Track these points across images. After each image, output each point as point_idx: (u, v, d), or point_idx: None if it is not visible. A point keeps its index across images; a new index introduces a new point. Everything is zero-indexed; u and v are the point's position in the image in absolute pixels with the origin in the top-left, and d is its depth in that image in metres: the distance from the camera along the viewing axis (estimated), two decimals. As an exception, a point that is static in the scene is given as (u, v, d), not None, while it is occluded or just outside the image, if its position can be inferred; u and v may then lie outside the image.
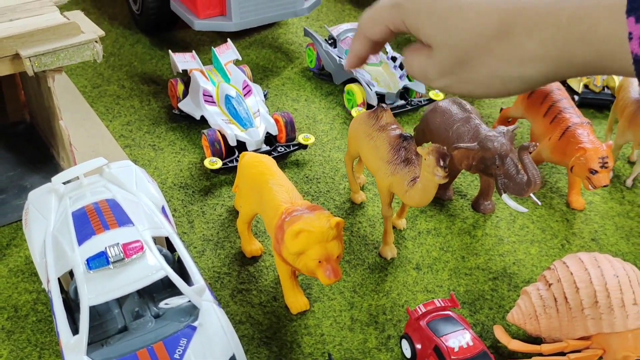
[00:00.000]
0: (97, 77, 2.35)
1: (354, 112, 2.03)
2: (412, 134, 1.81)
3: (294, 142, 1.95)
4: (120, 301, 1.27)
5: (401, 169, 1.46)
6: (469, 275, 1.58)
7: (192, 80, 2.03)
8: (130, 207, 1.32)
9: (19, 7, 1.53)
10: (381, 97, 2.16)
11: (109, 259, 1.17)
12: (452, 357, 1.23)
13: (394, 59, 2.23)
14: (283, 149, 1.92)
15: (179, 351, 1.13)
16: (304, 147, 1.94)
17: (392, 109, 2.12)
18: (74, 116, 2.08)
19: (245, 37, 2.64)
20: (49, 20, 1.50)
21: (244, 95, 2.00)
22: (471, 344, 1.25)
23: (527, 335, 1.40)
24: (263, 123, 1.93)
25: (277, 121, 1.95)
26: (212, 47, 2.15)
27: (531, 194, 1.49)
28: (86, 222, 1.27)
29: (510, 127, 1.53)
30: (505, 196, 1.51)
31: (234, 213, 1.74)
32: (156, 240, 1.32)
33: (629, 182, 1.90)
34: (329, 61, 2.32)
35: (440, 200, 1.81)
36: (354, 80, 2.22)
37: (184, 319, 1.21)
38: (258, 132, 1.88)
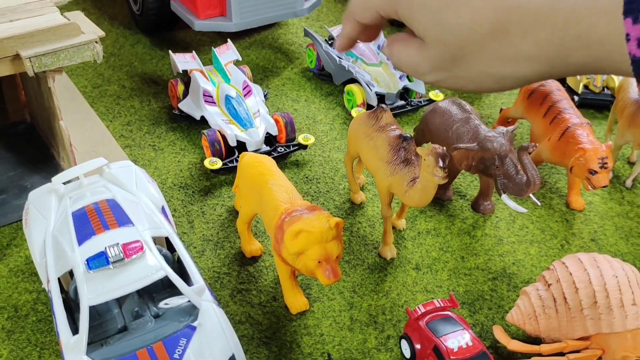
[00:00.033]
0: (97, 77, 2.35)
1: (353, 113, 2.03)
2: (412, 135, 1.81)
3: (294, 143, 1.95)
4: (120, 301, 1.27)
5: (401, 169, 1.46)
6: (468, 276, 1.58)
7: (192, 80, 2.04)
8: (130, 207, 1.32)
9: (19, 8, 1.53)
10: (381, 98, 2.16)
11: (109, 259, 1.17)
12: (452, 357, 1.23)
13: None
14: (283, 149, 1.92)
15: (178, 351, 1.13)
16: (304, 147, 1.95)
17: (392, 110, 2.13)
18: (74, 116, 2.09)
19: (245, 37, 2.65)
20: (49, 21, 1.50)
21: (244, 96, 2.00)
22: (470, 344, 1.26)
23: (527, 335, 1.40)
24: (263, 123, 1.93)
25: (277, 121, 1.95)
26: (212, 48, 2.15)
27: (530, 195, 1.49)
28: (86, 222, 1.27)
29: (510, 128, 1.54)
30: (504, 196, 1.51)
31: (233, 213, 1.74)
32: (156, 240, 1.32)
33: (628, 183, 1.91)
34: (329, 61, 2.32)
35: (440, 201, 1.81)
36: (354, 80, 2.22)
37: (184, 319, 1.21)
38: (258, 133, 1.89)
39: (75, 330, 1.16)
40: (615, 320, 1.21)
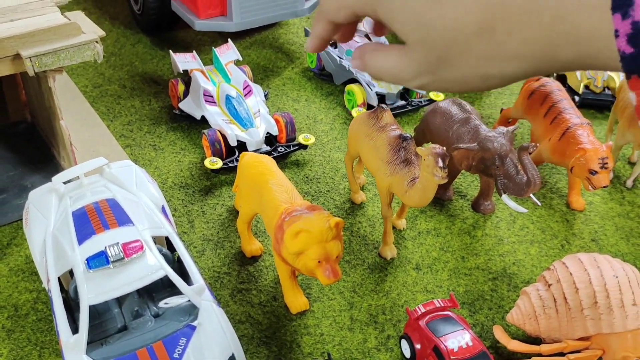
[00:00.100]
0: (98, 76, 2.35)
1: (354, 113, 2.03)
2: (412, 135, 1.81)
3: (294, 142, 1.95)
4: (120, 300, 1.27)
5: (401, 169, 1.46)
6: (468, 276, 1.58)
7: (192, 80, 2.04)
8: (130, 207, 1.32)
9: (20, 8, 1.54)
10: (381, 98, 2.16)
11: (109, 259, 1.17)
12: (452, 357, 1.23)
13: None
14: (283, 149, 1.92)
15: (178, 350, 1.13)
16: (304, 147, 1.95)
17: (392, 110, 2.13)
18: (75, 116, 2.09)
19: (245, 37, 2.65)
20: (50, 21, 1.50)
21: (245, 96, 2.00)
22: (470, 344, 1.25)
23: (527, 335, 1.40)
24: (263, 123, 1.93)
25: (277, 121, 1.95)
26: (213, 47, 2.15)
27: (531, 195, 1.49)
28: (86, 222, 1.27)
29: (510, 128, 1.54)
30: (505, 197, 1.51)
31: (234, 213, 1.74)
32: (156, 239, 1.32)
33: (629, 183, 1.90)
34: (329, 61, 2.32)
35: (440, 201, 1.81)
36: (354, 80, 2.22)
37: (184, 318, 1.21)
38: (258, 132, 1.89)
39: (75, 329, 1.16)
40: (615, 321, 1.21)
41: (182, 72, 2.10)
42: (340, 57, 2.29)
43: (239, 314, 1.45)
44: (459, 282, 1.56)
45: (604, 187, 1.60)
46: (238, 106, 1.95)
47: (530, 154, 1.45)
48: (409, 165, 1.46)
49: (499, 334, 1.35)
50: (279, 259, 1.36)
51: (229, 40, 2.21)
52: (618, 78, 2.16)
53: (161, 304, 1.23)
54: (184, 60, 2.11)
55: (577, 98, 2.20)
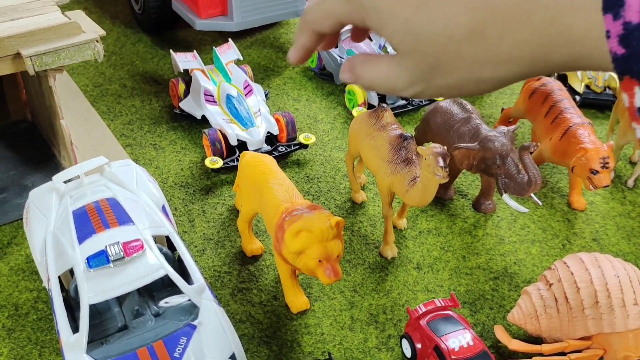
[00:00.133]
0: (98, 76, 2.35)
1: (354, 112, 2.03)
2: (413, 134, 1.81)
3: (295, 142, 1.95)
4: (120, 300, 1.27)
5: (401, 168, 1.46)
6: (469, 275, 1.58)
7: (193, 79, 2.04)
8: (131, 206, 1.32)
9: (20, 7, 1.53)
10: (382, 97, 2.16)
11: (109, 258, 1.17)
12: (453, 356, 1.23)
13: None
14: (284, 149, 1.92)
15: (178, 350, 1.13)
16: (305, 146, 1.94)
17: (393, 109, 2.12)
18: (75, 115, 2.09)
19: (246, 36, 2.64)
20: (50, 20, 1.50)
21: (245, 95, 2.00)
22: (471, 343, 1.25)
23: (528, 335, 1.39)
24: (264, 123, 1.93)
25: (278, 121, 1.95)
26: (214, 47, 2.15)
27: (532, 194, 1.48)
28: (87, 221, 1.27)
29: (511, 127, 1.53)
30: (506, 196, 1.51)
31: (234, 212, 1.74)
32: (156, 239, 1.32)
33: (630, 183, 1.90)
34: (330, 61, 2.32)
35: (441, 200, 1.81)
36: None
37: (184, 317, 1.21)
38: (259, 132, 1.89)
39: (75, 328, 1.16)
40: (616, 320, 1.21)
41: (182, 71, 2.10)
42: (340, 57, 2.29)
43: (239, 314, 1.45)
44: (460, 281, 1.56)
45: (605, 186, 1.60)
46: (239, 105, 1.95)
47: (531, 153, 1.45)
48: (409, 165, 1.46)
49: (500, 333, 1.35)
50: (279, 258, 1.35)
51: (230, 39, 2.21)
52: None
53: (161, 303, 1.23)
54: (184, 60, 2.11)
55: (577, 98, 2.19)
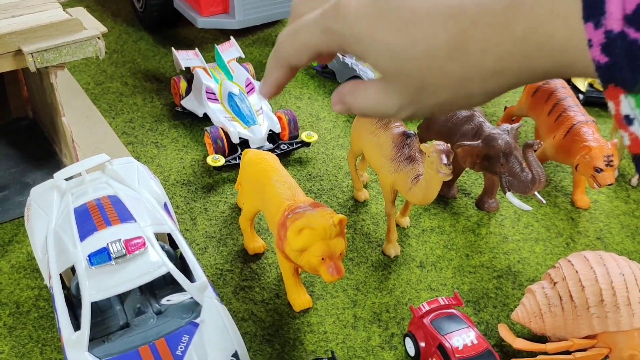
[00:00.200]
0: (100, 73, 2.35)
1: (357, 110, 2.02)
2: (416, 132, 1.79)
3: (297, 140, 1.94)
4: (122, 297, 1.26)
5: (404, 166, 1.45)
6: (473, 274, 1.57)
7: (195, 77, 2.03)
8: (133, 204, 1.31)
9: (21, 4, 1.53)
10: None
11: (111, 255, 1.16)
12: (457, 355, 1.22)
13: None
14: (286, 147, 1.91)
15: (180, 348, 1.12)
16: (307, 144, 1.94)
17: (395, 107, 2.12)
18: (77, 113, 2.08)
19: (248, 34, 2.64)
20: (52, 17, 1.49)
21: (247, 93, 1.99)
22: (475, 342, 1.24)
23: (532, 334, 1.39)
24: (266, 121, 1.93)
25: (280, 119, 1.94)
26: (215, 45, 2.14)
27: (535, 192, 1.48)
28: (88, 218, 1.27)
29: (514, 125, 1.53)
30: (509, 194, 1.50)
31: (236, 210, 1.73)
32: (158, 237, 1.31)
33: (634, 181, 1.89)
34: (332, 59, 2.31)
35: (444, 198, 1.80)
36: (357, 78, 2.21)
37: (186, 315, 1.20)
38: (261, 130, 1.88)
39: (77, 326, 1.16)
40: (622, 319, 1.20)
41: (184, 69, 2.09)
42: (342, 55, 2.28)
43: (241, 312, 1.44)
44: (464, 280, 1.55)
45: (609, 185, 1.59)
46: (240, 103, 1.94)
47: (535, 151, 1.44)
48: (412, 163, 1.45)
49: (504, 332, 1.34)
50: (282, 256, 1.35)
51: (232, 37, 2.20)
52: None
53: (163, 301, 1.22)
54: (186, 58, 2.10)
55: (581, 96, 2.19)
